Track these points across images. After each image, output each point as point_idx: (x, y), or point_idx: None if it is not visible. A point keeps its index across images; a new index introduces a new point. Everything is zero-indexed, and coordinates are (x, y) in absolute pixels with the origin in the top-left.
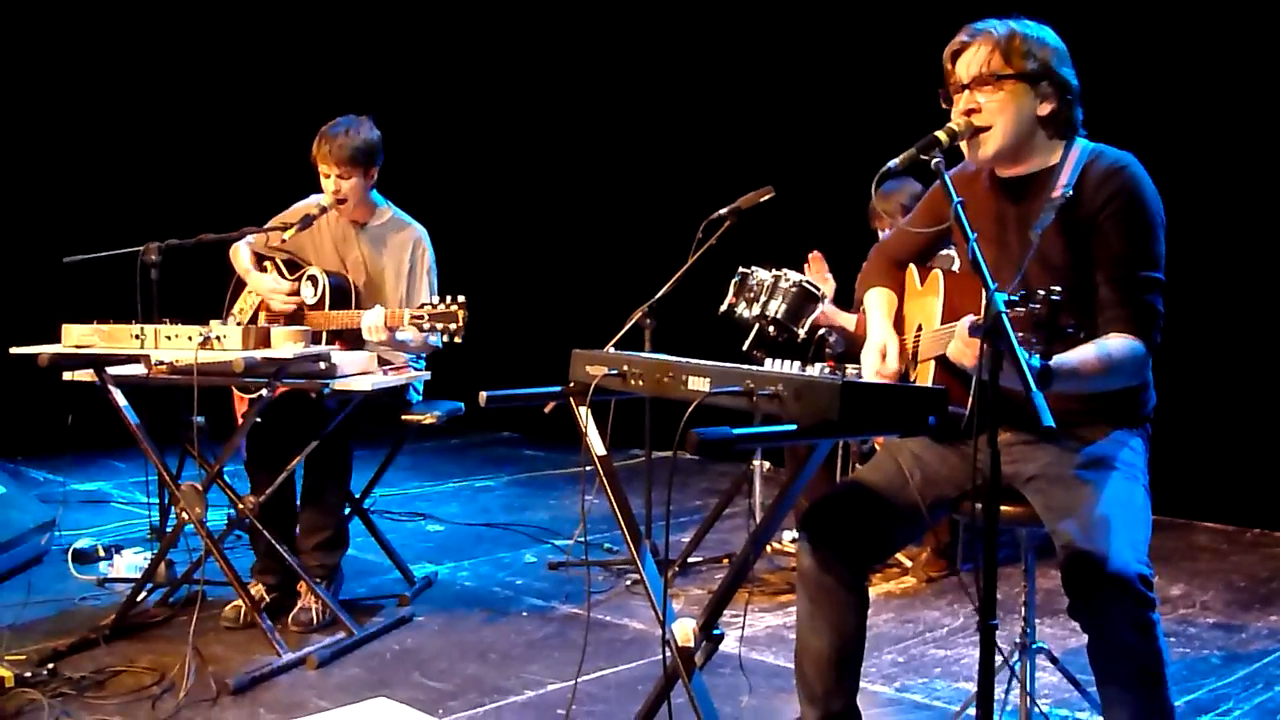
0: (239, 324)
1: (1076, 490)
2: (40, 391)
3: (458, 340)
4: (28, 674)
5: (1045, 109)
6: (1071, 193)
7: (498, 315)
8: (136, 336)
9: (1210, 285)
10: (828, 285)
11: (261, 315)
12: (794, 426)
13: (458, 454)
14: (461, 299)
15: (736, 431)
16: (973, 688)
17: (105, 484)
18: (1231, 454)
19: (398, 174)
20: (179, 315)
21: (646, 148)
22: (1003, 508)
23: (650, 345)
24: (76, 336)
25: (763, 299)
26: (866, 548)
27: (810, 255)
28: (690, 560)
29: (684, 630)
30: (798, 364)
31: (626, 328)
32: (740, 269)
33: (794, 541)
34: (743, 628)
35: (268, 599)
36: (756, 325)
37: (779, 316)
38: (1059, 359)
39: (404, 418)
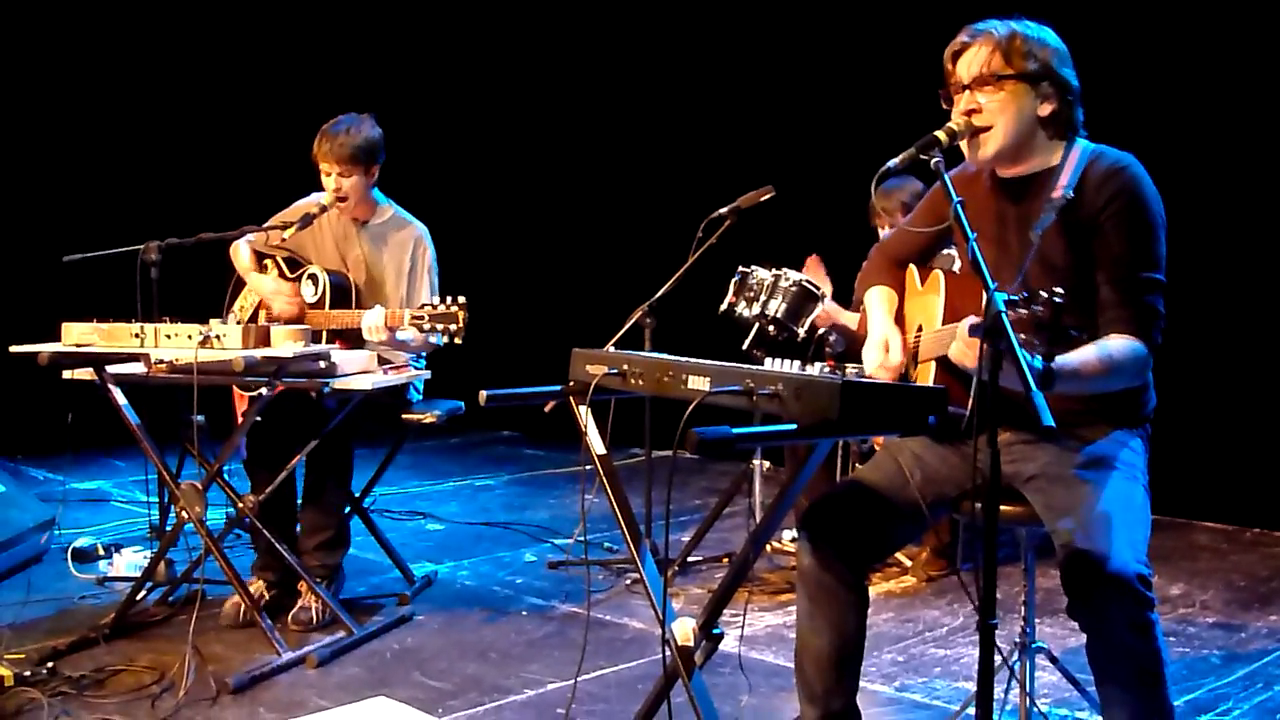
0: (239, 323)
1: (1076, 490)
2: (40, 390)
3: (458, 341)
4: (27, 673)
5: (1046, 109)
6: (1073, 194)
7: (498, 315)
8: (136, 335)
9: (1210, 286)
10: (826, 287)
11: (261, 314)
12: (794, 426)
13: (458, 453)
14: (462, 300)
15: (736, 431)
16: (972, 687)
17: (105, 483)
18: (1231, 454)
19: (399, 173)
20: (179, 314)
21: (646, 148)
22: (1003, 507)
23: (650, 344)
24: (76, 335)
25: (763, 298)
26: (867, 547)
27: (808, 259)
28: (690, 559)
29: (684, 629)
30: (798, 363)
31: (626, 327)
32: (740, 268)
33: (794, 541)
34: (743, 627)
35: (267, 596)
36: (756, 324)
37: (779, 316)
38: (1060, 360)
39: (404, 417)
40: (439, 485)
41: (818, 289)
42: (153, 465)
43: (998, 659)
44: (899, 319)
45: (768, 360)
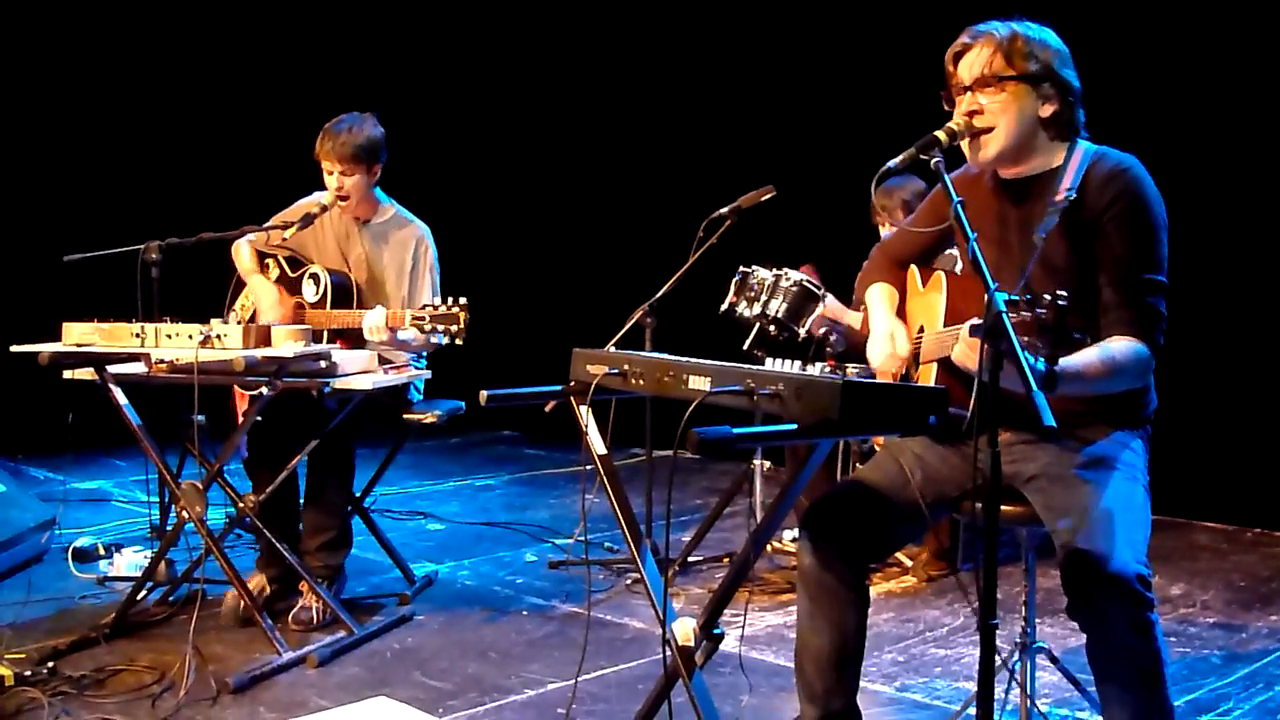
0: (239, 322)
1: (1076, 490)
2: (40, 390)
3: (459, 341)
4: (28, 672)
5: (1047, 110)
6: (1075, 195)
7: (498, 315)
8: (137, 335)
9: (1211, 286)
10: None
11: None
12: (794, 426)
13: (458, 453)
14: (463, 300)
15: (737, 431)
16: (973, 687)
17: (105, 482)
18: (1231, 454)
19: (400, 173)
20: (179, 314)
21: (647, 148)
22: (1003, 507)
23: (651, 344)
24: (77, 335)
25: (763, 298)
26: (867, 547)
27: (801, 269)
28: (690, 559)
29: (684, 629)
30: (798, 363)
31: (627, 327)
32: (741, 268)
33: (794, 540)
34: (743, 627)
35: (269, 590)
36: (757, 324)
37: (780, 316)
38: (1063, 362)
39: (405, 417)
40: (439, 485)
41: (818, 289)
42: (153, 465)
43: (998, 659)
44: (900, 319)
45: (768, 360)
